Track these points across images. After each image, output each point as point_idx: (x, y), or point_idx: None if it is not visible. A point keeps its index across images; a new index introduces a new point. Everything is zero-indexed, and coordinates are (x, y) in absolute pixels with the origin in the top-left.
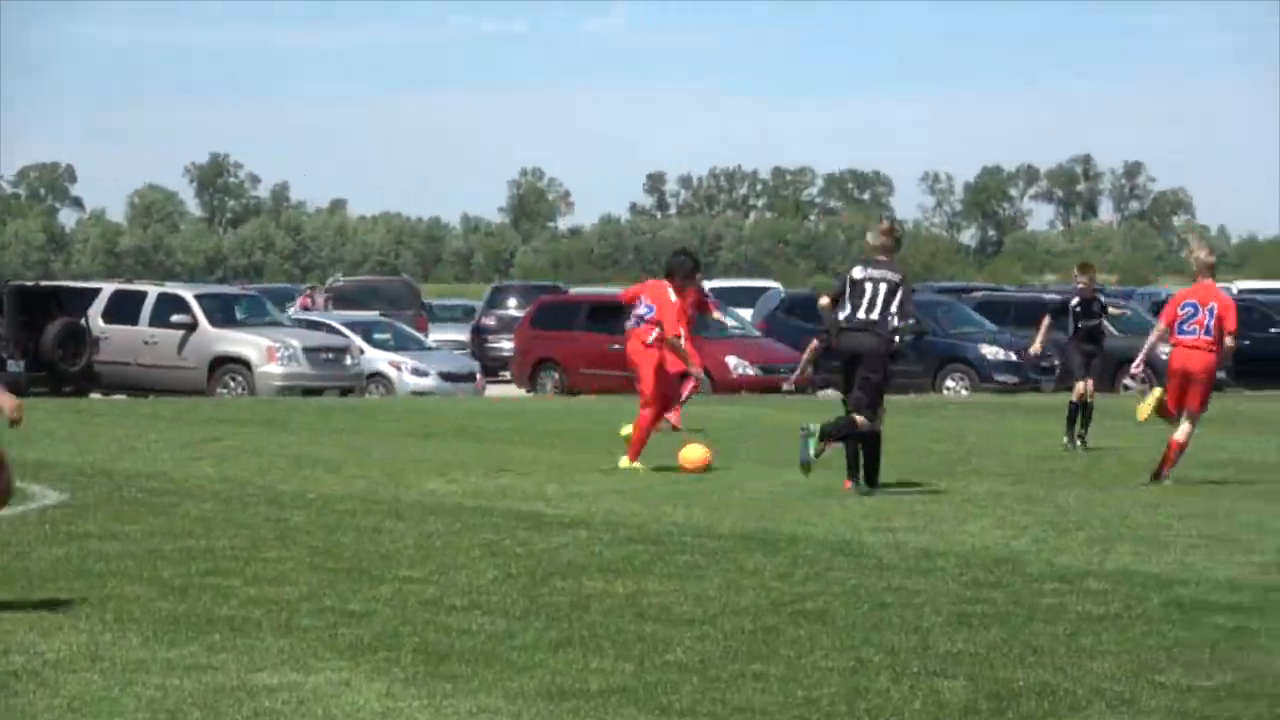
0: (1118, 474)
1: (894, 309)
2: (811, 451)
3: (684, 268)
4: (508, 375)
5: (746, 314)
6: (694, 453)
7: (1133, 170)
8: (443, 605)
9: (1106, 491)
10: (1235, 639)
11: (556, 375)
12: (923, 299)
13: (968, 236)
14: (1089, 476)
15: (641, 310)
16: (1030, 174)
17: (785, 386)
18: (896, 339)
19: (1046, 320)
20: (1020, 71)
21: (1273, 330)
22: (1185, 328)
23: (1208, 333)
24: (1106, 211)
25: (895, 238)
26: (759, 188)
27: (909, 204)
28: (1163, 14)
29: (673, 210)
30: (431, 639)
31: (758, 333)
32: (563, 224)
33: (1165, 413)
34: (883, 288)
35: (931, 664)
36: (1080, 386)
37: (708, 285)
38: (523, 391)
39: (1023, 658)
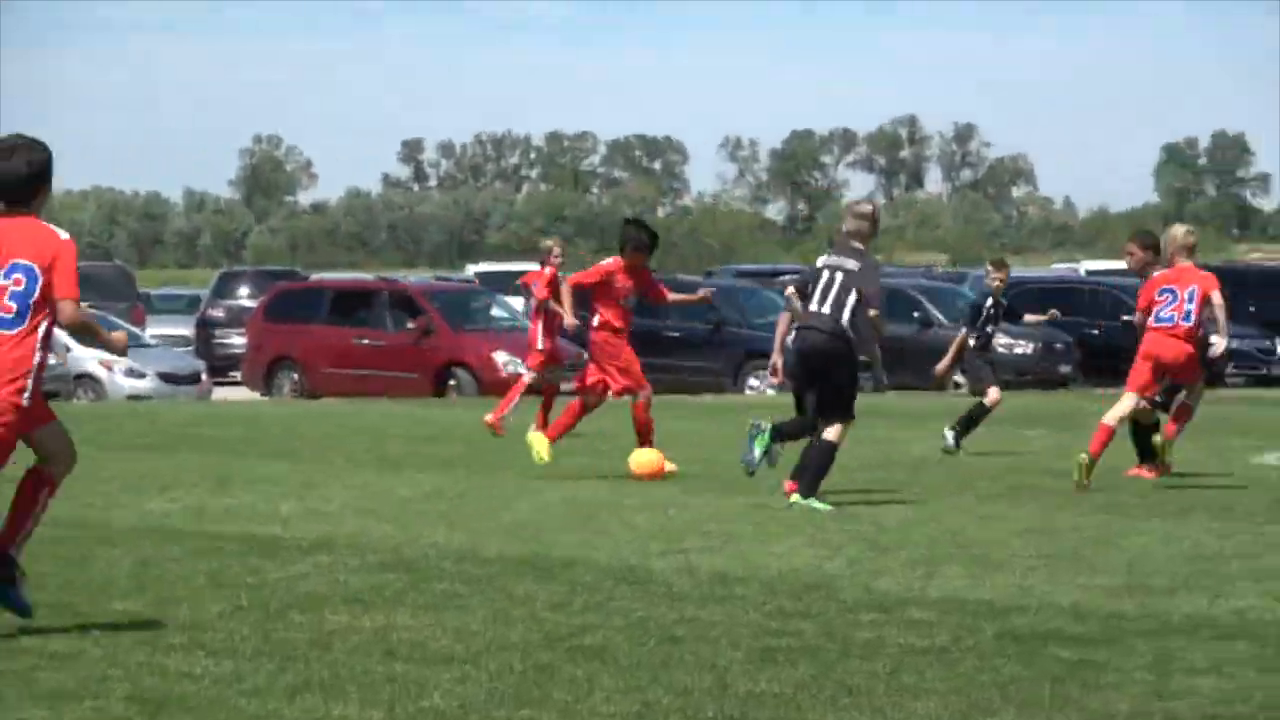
0: (947, 484)
1: (848, 304)
2: (757, 453)
3: (633, 239)
4: (238, 376)
5: (518, 303)
6: (643, 457)
7: (964, 134)
8: (160, 644)
9: (933, 504)
10: (1079, 675)
11: (295, 375)
12: (721, 284)
13: (774, 211)
14: (914, 487)
15: None
16: (847, 139)
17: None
18: (851, 334)
19: (963, 333)
20: (835, 22)
21: (1125, 318)
22: (1162, 314)
23: (1186, 319)
24: (934, 182)
25: (872, 221)
26: (532, 156)
27: (707, 174)
28: None
29: (432, 182)
30: (147, 683)
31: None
32: (303, 199)
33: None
34: (838, 277)
35: (730, 707)
36: (994, 393)
37: (471, 269)
38: (256, 394)
39: (835, 699)
